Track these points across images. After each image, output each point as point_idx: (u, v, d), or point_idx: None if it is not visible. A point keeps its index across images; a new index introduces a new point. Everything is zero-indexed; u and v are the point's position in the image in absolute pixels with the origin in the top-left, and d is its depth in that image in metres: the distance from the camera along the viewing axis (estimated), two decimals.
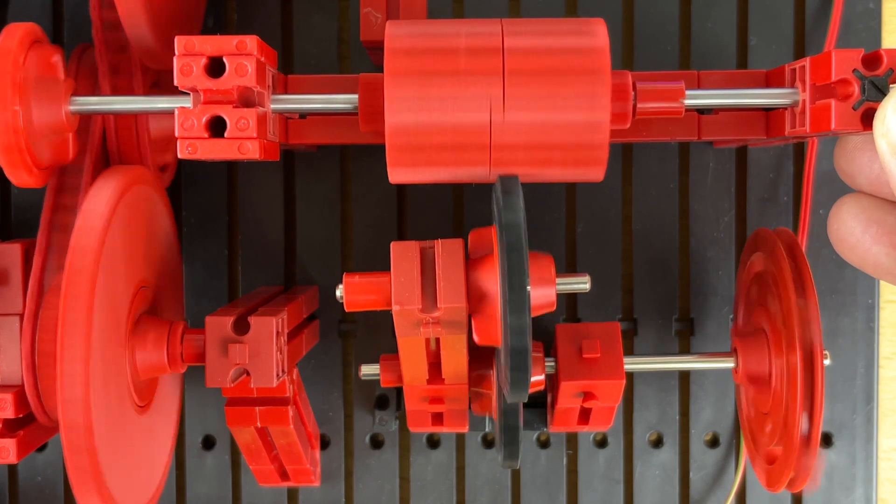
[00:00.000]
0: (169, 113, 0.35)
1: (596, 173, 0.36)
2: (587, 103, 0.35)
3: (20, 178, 0.37)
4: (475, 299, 0.35)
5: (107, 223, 0.37)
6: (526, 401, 0.35)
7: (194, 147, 0.35)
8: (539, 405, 0.46)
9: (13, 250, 0.41)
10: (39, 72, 0.37)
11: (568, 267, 0.50)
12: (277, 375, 0.39)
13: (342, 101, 0.38)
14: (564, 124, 0.35)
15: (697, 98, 0.37)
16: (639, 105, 0.37)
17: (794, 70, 0.37)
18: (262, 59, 0.35)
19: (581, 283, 0.37)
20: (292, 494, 0.51)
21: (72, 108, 0.37)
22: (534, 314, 0.35)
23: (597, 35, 0.36)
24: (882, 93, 0.34)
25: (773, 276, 0.42)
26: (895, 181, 0.32)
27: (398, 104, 0.35)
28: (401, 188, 0.49)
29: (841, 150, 0.36)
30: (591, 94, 0.35)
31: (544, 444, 0.51)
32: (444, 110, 0.35)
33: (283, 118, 0.40)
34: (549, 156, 0.36)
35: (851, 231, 0.35)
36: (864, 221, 0.35)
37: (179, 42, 0.35)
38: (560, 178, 0.37)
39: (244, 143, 0.35)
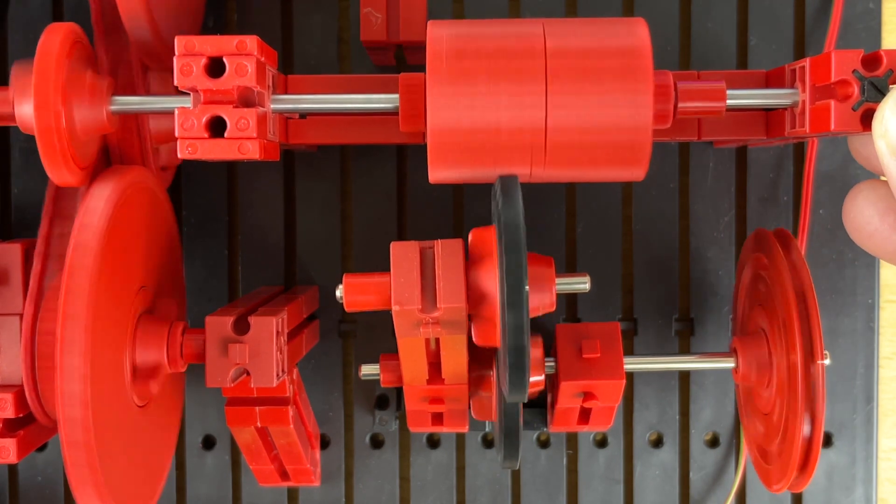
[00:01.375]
0: None
1: (637, 173, 0.36)
2: (630, 103, 0.35)
3: (62, 177, 0.37)
4: (475, 299, 0.35)
5: (107, 223, 0.37)
6: (525, 401, 0.35)
7: (194, 147, 0.35)
8: (539, 405, 0.46)
9: (13, 250, 0.41)
10: (81, 72, 0.37)
11: (568, 267, 0.50)
12: (277, 375, 0.39)
13: (382, 100, 0.37)
14: (607, 124, 0.35)
15: None
16: (680, 105, 0.37)
17: (794, 70, 0.37)
18: (262, 59, 0.35)
19: (581, 283, 0.37)
20: (292, 494, 0.51)
21: (112, 107, 0.38)
22: (533, 314, 0.35)
23: (639, 35, 0.36)
24: (881, 93, 0.34)
25: (772, 276, 0.42)
26: (894, 181, 0.32)
27: (440, 104, 0.35)
28: (401, 188, 0.49)
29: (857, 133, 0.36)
30: (634, 94, 0.35)
31: (544, 444, 0.51)
32: (485, 110, 0.35)
33: (283, 118, 0.41)
34: (590, 156, 0.36)
35: (869, 220, 0.35)
36: (882, 210, 0.34)
37: (179, 42, 0.35)
38: (601, 177, 0.37)
39: (244, 143, 0.35)
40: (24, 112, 0.36)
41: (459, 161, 0.36)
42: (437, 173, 0.36)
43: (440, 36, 0.36)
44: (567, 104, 0.35)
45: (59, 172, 0.36)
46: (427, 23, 0.37)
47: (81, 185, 0.38)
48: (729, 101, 0.37)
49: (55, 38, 0.36)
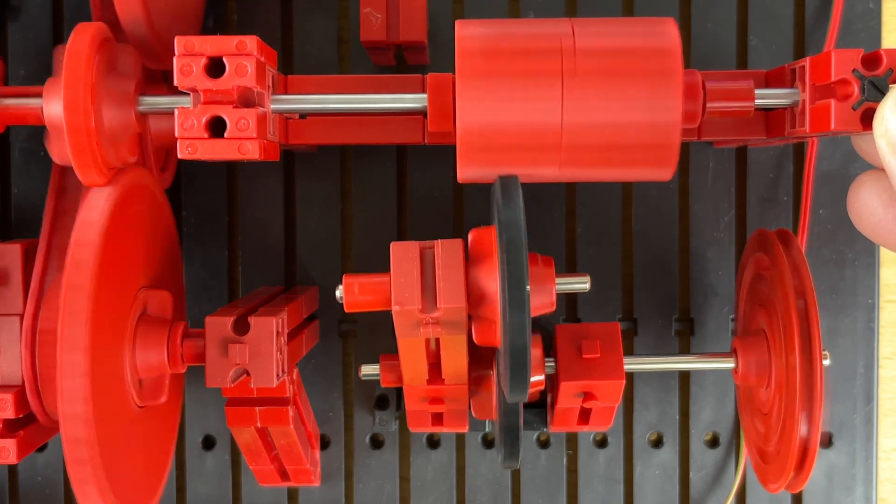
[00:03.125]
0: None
1: (665, 173, 0.36)
2: (659, 102, 0.35)
3: (90, 178, 0.37)
4: (475, 300, 0.35)
5: (107, 224, 0.37)
6: (526, 401, 0.35)
7: (194, 147, 0.35)
8: (539, 405, 0.46)
9: (13, 250, 0.41)
10: (109, 72, 0.37)
11: (568, 267, 0.50)
12: (277, 375, 0.39)
13: (411, 100, 0.37)
14: (636, 123, 0.35)
15: None
16: (708, 104, 0.37)
17: (794, 70, 0.37)
18: (262, 59, 0.35)
19: (581, 283, 0.37)
20: (292, 494, 0.51)
21: (140, 108, 0.38)
22: (533, 314, 0.35)
23: (668, 34, 0.35)
24: (881, 93, 0.34)
25: (773, 276, 0.42)
26: None
27: (469, 103, 0.35)
28: (401, 188, 0.49)
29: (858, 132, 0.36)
30: (664, 94, 0.35)
31: (544, 444, 0.51)
32: (515, 109, 0.35)
33: (282, 118, 0.40)
34: (619, 155, 0.36)
35: (873, 211, 0.35)
36: (885, 201, 0.34)
37: (179, 42, 0.35)
38: (628, 177, 0.37)
39: (244, 143, 0.35)
40: (53, 112, 0.36)
41: (488, 160, 0.36)
42: (466, 172, 0.36)
43: (469, 35, 0.36)
44: (596, 103, 0.35)
45: (88, 173, 0.36)
46: (455, 22, 0.37)
47: (108, 185, 0.38)
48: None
49: (84, 38, 0.36)
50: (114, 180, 0.38)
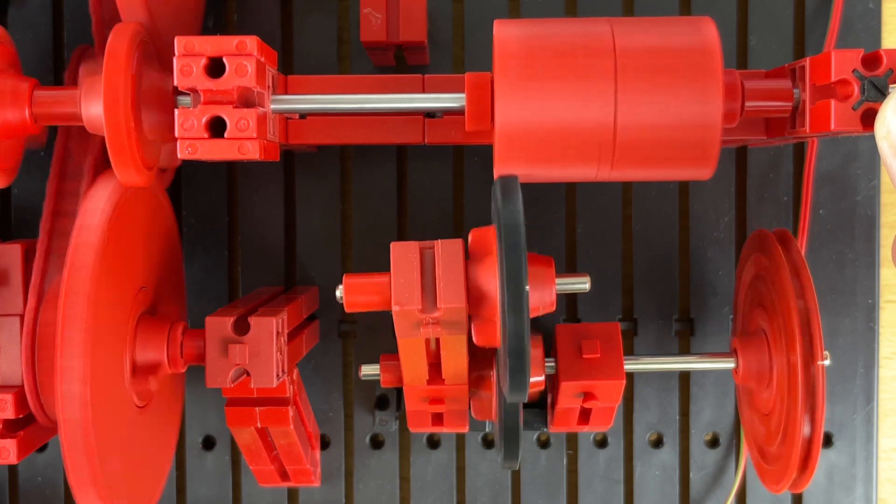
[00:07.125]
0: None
1: (705, 172, 0.36)
2: (700, 102, 0.35)
3: (130, 178, 0.37)
4: (475, 300, 0.35)
5: (107, 224, 0.37)
6: (525, 401, 0.35)
7: (194, 147, 0.35)
8: (539, 405, 0.46)
9: (13, 250, 0.41)
10: (147, 72, 0.37)
11: (568, 267, 0.50)
12: (277, 376, 0.39)
13: (449, 100, 0.37)
14: (676, 123, 0.35)
15: None
16: (747, 104, 0.37)
17: (794, 70, 0.37)
18: (262, 59, 0.35)
19: (581, 284, 0.37)
20: (292, 495, 0.51)
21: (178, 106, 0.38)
22: (533, 315, 0.35)
23: (707, 34, 0.35)
24: (882, 93, 0.34)
25: (772, 277, 0.42)
26: None
27: (509, 102, 0.35)
28: (401, 188, 0.49)
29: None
30: (704, 93, 0.35)
31: (544, 444, 0.51)
32: (554, 109, 0.35)
33: (282, 118, 0.41)
34: (658, 155, 0.35)
35: None
36: None
37: (179, 42, 0.35)
38: (668, 177, 0.37)
39: (244, 143, 0.35)
40: (93, 113, 0.36)
41: (526, 160, 0.36)
42: (502, 171, 0.36)
43: (508, 35, 0.36)
44: (636, 103, 0.35)
45: (127, 173, 0.36)
46: (493, 22, 0.37)
47: (148, 185, 0.38)
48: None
49: (123, 39, 0.36)
50: (114, 181, 0.38)
